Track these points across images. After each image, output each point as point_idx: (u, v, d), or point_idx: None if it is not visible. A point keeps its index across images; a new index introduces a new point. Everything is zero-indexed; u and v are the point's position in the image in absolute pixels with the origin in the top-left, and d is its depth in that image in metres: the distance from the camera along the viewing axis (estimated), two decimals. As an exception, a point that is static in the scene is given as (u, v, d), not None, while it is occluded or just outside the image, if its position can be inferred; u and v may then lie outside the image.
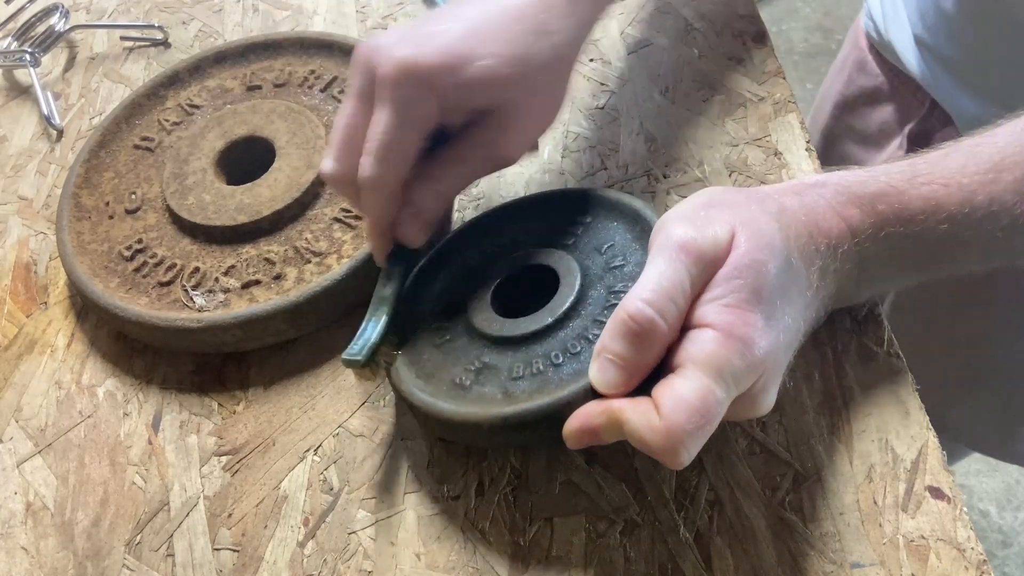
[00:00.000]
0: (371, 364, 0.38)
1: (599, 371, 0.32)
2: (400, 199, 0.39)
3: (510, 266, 0.41)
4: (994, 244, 0.36)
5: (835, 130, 0.70)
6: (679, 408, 0.29)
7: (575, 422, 0.32)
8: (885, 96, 0.63)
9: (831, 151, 0.71)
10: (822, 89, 0.73)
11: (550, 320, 0.38)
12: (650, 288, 0.31)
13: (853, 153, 0.68)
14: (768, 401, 0.33)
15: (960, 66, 0.52)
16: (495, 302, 0.40)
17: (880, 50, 0.62)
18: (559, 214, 0.43)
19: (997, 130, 0.36)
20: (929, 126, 0.59)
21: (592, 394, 0.33)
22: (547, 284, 0.39)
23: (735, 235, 0.32)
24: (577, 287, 0.38)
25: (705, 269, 0.32)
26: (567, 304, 0.38)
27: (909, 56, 0.58)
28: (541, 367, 0.37)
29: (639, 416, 0.30)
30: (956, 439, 0.71)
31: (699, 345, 0.30)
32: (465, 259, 0.44)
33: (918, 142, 0.60)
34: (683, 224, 0.33)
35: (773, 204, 0.34)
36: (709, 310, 0.31)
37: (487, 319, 0.39)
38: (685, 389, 0.29)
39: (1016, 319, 0.59)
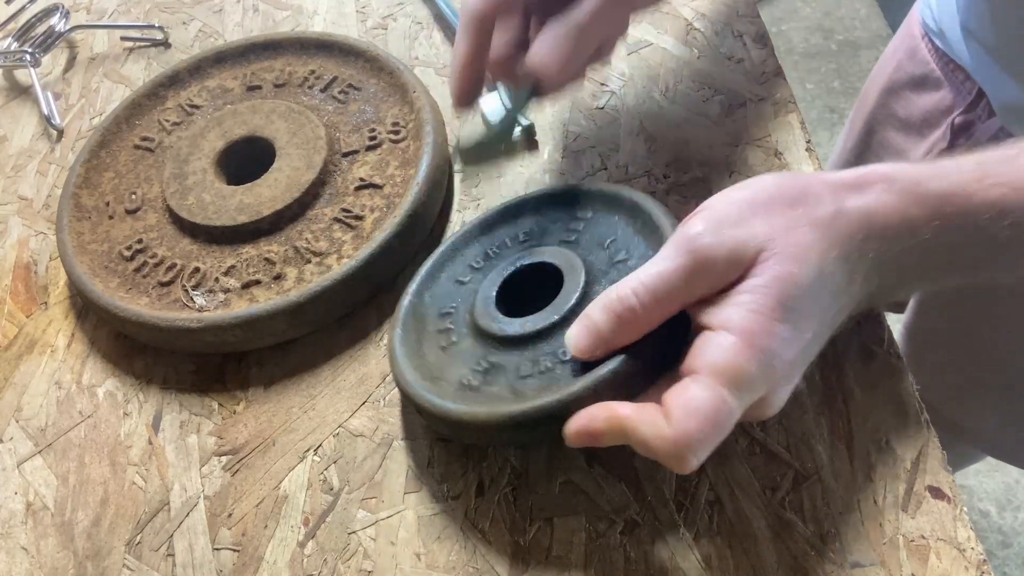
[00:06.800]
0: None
1: (575, 331, 0.33)
2: (497, 36, 0.41)
3: (513, 265, 0.41)
4: None
5: (879, 116, 0.70)
6: (691, 417, 0.29)
7: (576, 424, 0.32)
8: (933, 84, 0.63)
9: (872, 138, 0.71)
10: (870, 77, 0.73)
11: (556, 318, 0.37)
12: (642, 279, 0.32)
13: (894, 140, 0.68)
14: (778, 405, 0.33)
15: (1003, 52, 0.52)
16: (500, 302, 0.40)
17: (933, 37, 0.62)
18: (560, 211, 0.43)
19: None
20: (974, 117, 0.59)
21: (599, 392, 0.33)
22: (551, 281, 0.39)
23: (765, 247, 0.31)
24: (582, 283, 0.38)
25: (708, 273, 0.31)
26: (572, 301, 0.38)
27: (958, 43, 0.58)
28: (549, 364, 0.37)
29: (647, 425, 0.30)
30: (975, 445, 0.71)
31: (718, 351, 0.30)
32: (467, 261, 0.44)
33: (961, 133, 0.60)
34: (708, 225, 0.32)
35: (827, 208, 0.32)
36: (733, 314, 0.30)
37: (493, 319, 0.39)
38: (699, 398, 0.29)
39: None
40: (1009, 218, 0.33)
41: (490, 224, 0.45)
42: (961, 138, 0.60)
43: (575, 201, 0.43)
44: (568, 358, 0.36)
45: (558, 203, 0.44)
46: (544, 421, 0.34)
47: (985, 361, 0.64)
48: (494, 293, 0.40)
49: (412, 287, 0.43)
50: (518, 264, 0.41)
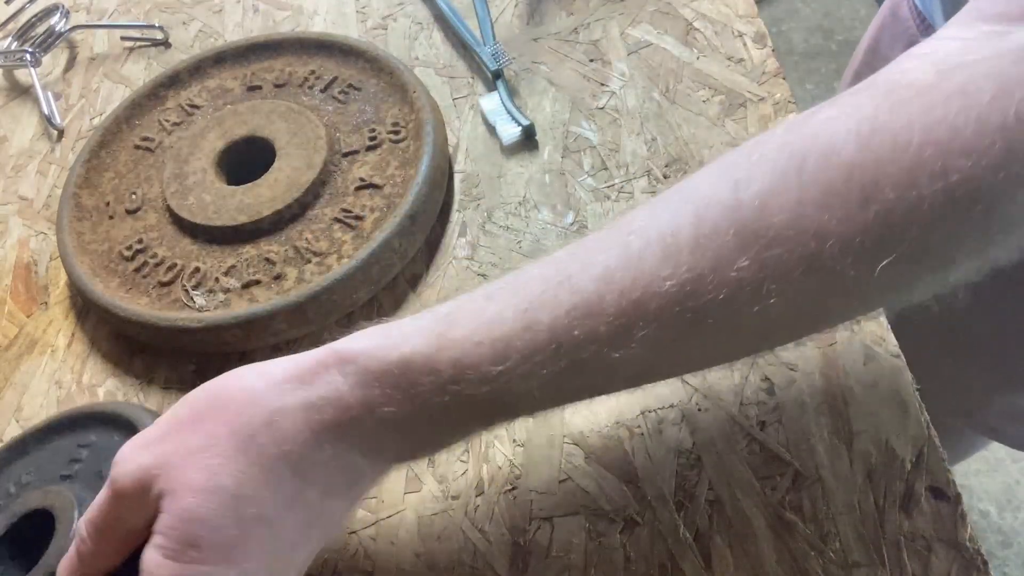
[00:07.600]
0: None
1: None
2: None
3: (7, 521, 0.35)
4: (553, 395, 0.31)
5: (862, 75, 0.70)
6: None
7: None
8: (909, 42, 0.63)
9: None
10: (862, 38, 0.74)
11: (47, 573, 0.32)
12: (88, 510, 0.30)
13: None
14: None
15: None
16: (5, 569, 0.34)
17: None
18: (63, 440, 0.38)
19: (548, 259, 0.31)
20: None
21: None
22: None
23: (165, 477, 0.28)
24: (75, 526, 0.33)
25: (128, 504, 0.29)
26: (63, 548, 0.32)
27: (930, 3, 0.59)
28: None
29: None
30: (951, 416, 0.71)
31: None
32: None
33: None
34: (132, 447, 0.30)
35: (256, 416, 0.29)
36: (150, 558, 0.28)
37: None
38: None
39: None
40: (477, 377, 0.29)
41: None
42: None
43: (77, 427, 0.38)
44: None
45: (61, 431, 0.38)
46: None
47: (945, 327, 0.64)
48: None
49: None
50: (12, 519, 0.35)
